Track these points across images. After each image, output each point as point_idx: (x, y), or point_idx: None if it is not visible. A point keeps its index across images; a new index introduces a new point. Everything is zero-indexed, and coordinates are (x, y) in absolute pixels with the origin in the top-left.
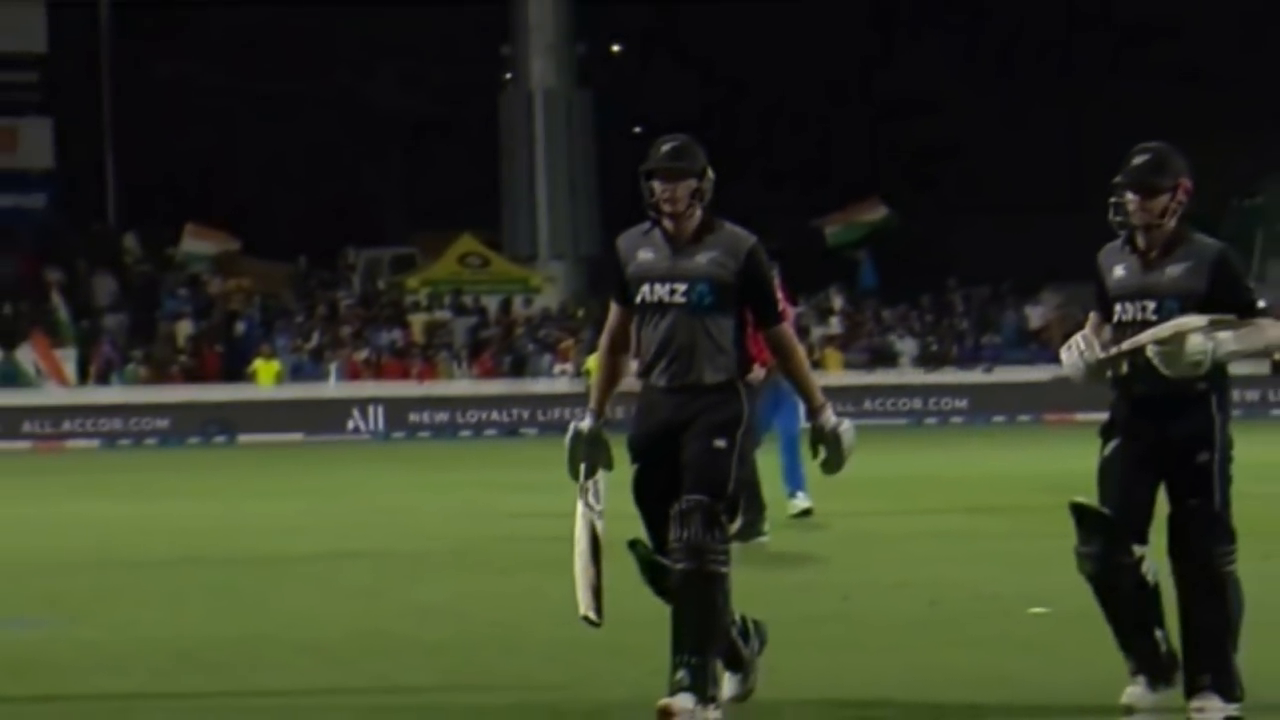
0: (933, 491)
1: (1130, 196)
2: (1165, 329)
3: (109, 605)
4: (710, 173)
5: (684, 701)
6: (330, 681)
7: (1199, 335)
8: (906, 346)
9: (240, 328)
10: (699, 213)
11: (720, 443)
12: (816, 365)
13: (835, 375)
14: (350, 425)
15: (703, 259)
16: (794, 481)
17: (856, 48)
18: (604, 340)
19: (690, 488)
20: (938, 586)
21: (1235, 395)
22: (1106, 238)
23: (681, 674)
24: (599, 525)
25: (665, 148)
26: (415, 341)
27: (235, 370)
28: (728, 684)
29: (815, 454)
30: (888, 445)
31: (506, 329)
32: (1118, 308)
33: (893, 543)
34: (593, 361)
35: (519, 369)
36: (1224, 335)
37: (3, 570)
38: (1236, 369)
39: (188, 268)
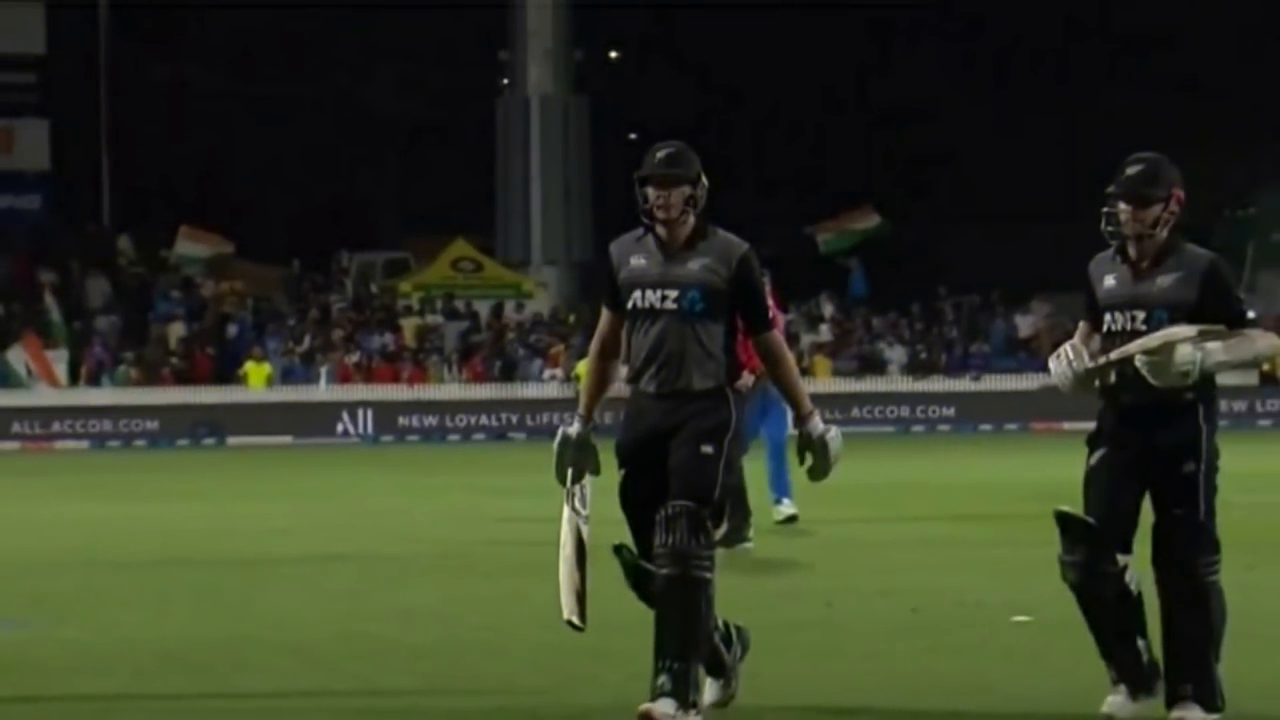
0: (918, 499)
1: (1123, 206)
2: (1154, 339)
3: (94, 606)
4: (704, 179)
5: (665, 707)
6: (313, 684)
7: (1188, 345)
8: (895, 354)
9: (232, 330)
10: (692, 219)
11: (707, 449)
12: (806, 372)
13: (824, 382)
14: (339, 428)
15: (695, 266)
16: (780, 488)
17: (853, 56)
18: (594, 346)
19: (676, 493)
20: (920, 594)
21: (1222, 405)
22: (1097, 247)
23: (663, 679)
24: (585, 530)
25: (660, 154)
26: (406, 345)
27: (226, 373)
28: (709, 690)
29: (802, 461)
30: (875, 452)
31: (498, 334)
32: (1107, 317)
33: (877, 550)
34: (583, 367)
35: (509, 374)
36: (1213, 346)
37: None
38: (1224, 379)
39: (181, 270)
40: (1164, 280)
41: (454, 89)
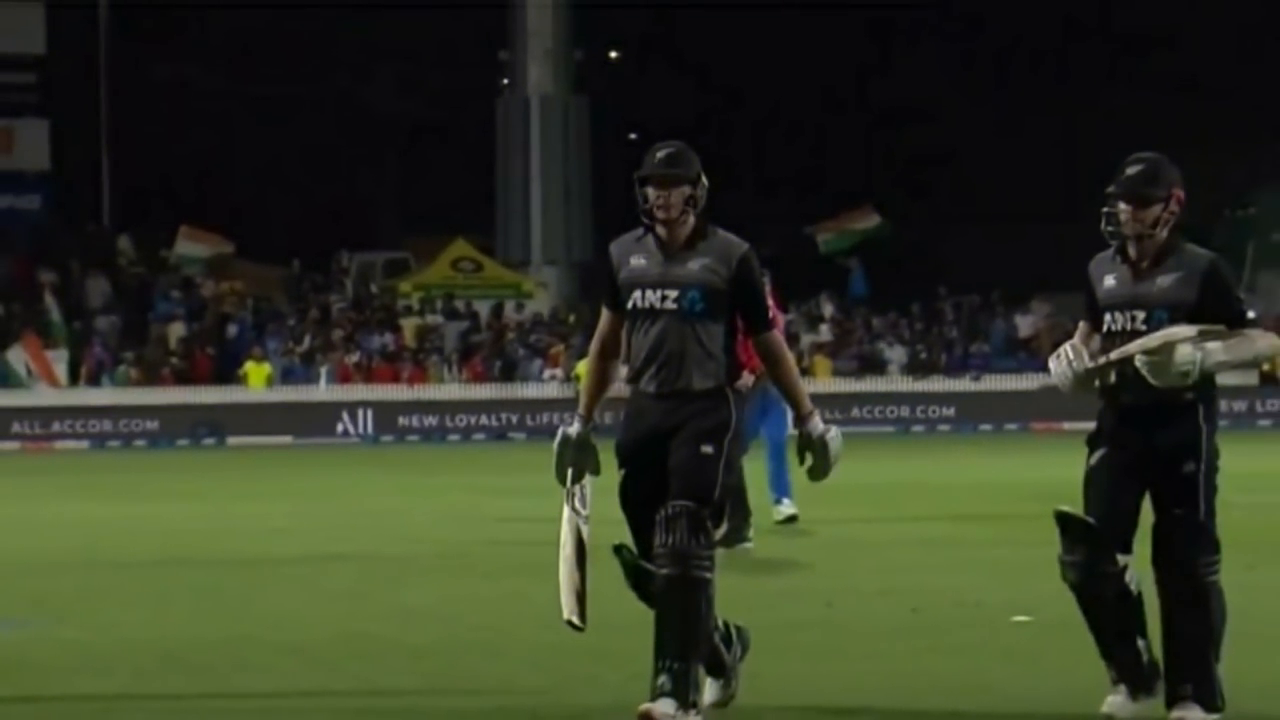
0: (918, 499)
1: (1123, 206)
2: (1154, 339)
3: (94, 606)
4: (704, 179)
5: (665, 707)
6: (313, 684)
7: (1187, 345)
8: (895, 354)
9: (232, 330)
10: (692, 219)
11: (707, 449)
12: (806, 372)
13: (824, 382)
14: (339, 428)
15: (695, 266)
16: (780, 488)
17: (853, 56)
18: (594, 346)
19: (676, 493)
20: (920, 594)
21: (1223, 405)
22: (1097, 247)
23: (663, 679)
24: (585, 530)
25: (660, 154)
26: (406, 345)
27: (226, 373)
28: (709, 690)
29: (802, 461)
30: (875, 452)
31: (498, 334)
32: (1107, 317)
33: (877, 550)
34: (583, 367)
35: (509, 374)
36: (1213, 346)
37: None
38: (1224, 379)
39: (181, 270)
40: (1164, 280)
41: (454, 89)
